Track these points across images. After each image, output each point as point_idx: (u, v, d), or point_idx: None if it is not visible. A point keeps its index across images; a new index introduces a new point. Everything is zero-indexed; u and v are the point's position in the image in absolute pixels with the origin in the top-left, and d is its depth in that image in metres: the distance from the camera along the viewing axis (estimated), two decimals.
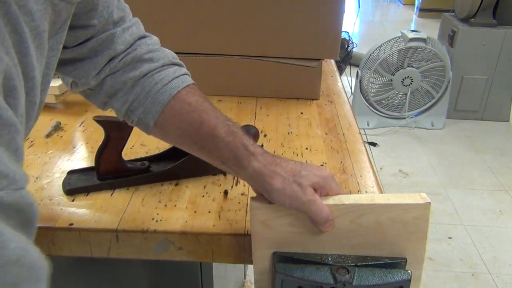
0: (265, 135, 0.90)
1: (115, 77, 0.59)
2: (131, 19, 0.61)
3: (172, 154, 0.76)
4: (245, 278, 1.68)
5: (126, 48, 0.59)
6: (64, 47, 0.53)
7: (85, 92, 0.62)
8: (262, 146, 0.82)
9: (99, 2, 0.54)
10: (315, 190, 0.55)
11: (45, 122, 0.92)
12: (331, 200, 0.54)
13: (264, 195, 0.55)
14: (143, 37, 0.61)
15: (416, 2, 6.52)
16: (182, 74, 0.61)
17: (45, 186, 0.70)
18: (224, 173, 0.75)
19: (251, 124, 0.78)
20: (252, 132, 0.76)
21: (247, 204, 0.67)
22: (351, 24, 6.17)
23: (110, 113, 0.64)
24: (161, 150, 0.79)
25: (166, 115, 0.58)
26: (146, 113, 0.59)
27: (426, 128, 3.13)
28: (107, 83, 0.59)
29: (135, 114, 0.59)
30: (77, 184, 0.69)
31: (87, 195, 0.68)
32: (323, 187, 0.55)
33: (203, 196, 0.69)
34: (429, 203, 0.53)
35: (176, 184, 0.72)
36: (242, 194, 0.70)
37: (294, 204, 0.54)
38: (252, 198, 0.56)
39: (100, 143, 0.69)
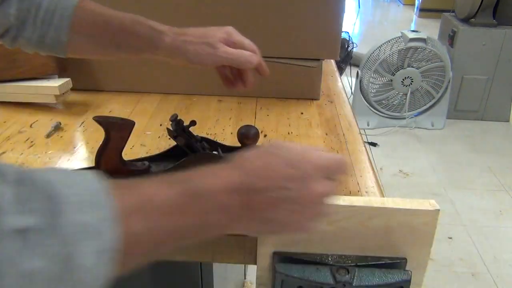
0: (265, 135, 0.90)
1: (20, 9, 0.62)
2: None
3: (172, 154, 0.76)
4: (245, 278, 1.68)
5: None
6: None
7: None
8: None
9: None
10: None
11: (45, 122, 0.92)
12: (342, 201, 0.54)
13: (186, 62, 0.64)
14: None
15: (416, 2, 6.52)
16: None
17: None
18: None
19: (251, 124, 0.78)
20: (252, 132, 0.76)
21: None
22: (351, 24, 6.17)
23: (108, 113, 0.64)
24: (161, 150, 0.79)
25: (75, 27, 0.63)
26: (58, 30, 0.63)
27: (426, 128, 3.13)
28: (13, 16, 0.62)
29: (48, 36, 0.63)
30: None
31: None
32: (228, 39, 0.65)
33: None
34: (438, 210, 0.54)
35: None
36: None
37: (214, 60, 0.63)
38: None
39: (100, 143, 0.69)
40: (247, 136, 0.76)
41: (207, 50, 0.63)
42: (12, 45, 0.65)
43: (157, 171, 0.72)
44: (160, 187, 0.38)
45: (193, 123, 0.74)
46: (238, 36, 0.67)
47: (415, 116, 3.13)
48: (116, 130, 0.67)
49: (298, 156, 0.44)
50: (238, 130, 0.77)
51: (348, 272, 0.54)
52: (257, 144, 0.78)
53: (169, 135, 0.76)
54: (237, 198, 0.40)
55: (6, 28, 0.63)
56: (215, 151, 0.78)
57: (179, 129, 0.72)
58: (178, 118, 0.72)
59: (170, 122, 0.72)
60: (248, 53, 0.65)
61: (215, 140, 0.81)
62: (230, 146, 0.81)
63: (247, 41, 0.68)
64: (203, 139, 0.78)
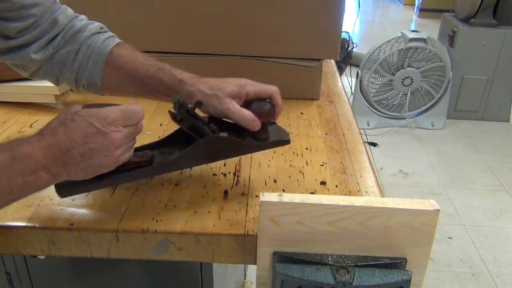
0: None
1: (60, 53, 0.70)
2: (59, 4, 0.72)
3: (176, 139, 0.68)
4: (245, 278, 1.69)
5: (64, 27, 0.70)
6: (7, 37, 0.66)
7: (36, 72, 0.72)
8: None
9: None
10: (233, 97, 0.66)
11: (45, 122, 0.91)
12: (342, 201, 0.54)
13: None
14: (75, 16, 0.73)
15: (416, 2, 6.53)
16: (111, 36, 0.73)
17: None
18: (224, 174, 0.75)
19: (264, 99, 0.68)
20: (266, 109, 0.67)
21: (247, 204, 0.67)
22: (351, 24, 6.17)
23: None
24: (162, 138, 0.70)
25: (108, 71, 0.71)
26: (92, 74, 0.71)
27: (426, 128, 3.13)
28: (55, 59, 0.70)
29: (83, 79, 0.71)
30: (76, 183, 0.68)
31: (87, 195, 0.68)
32: (239, 92, 0.66)
33: (203, 196, 0.69)
34: (438, 210, 0.54)
35: (176, 184, 0.72)
36: (242, 194, 0.70)
37: (217, 113, 0.66)
38: (262, 194, 0.55)
39: None
40: (261, 114, 0.66)
41: (213, 103, 0.66)
42: (57, 83, 0.74)
43: (160, 162, 0.65)
44: None
45: (198, 104, 0.64)
46: (252, 87, 0.67)
47: (415, 116, 3.13)
48: None
49: (94, 115, 0.55)
50: (249, 107, 0.67)
51: (348, 272, 0.54)
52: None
53: (171, 118, 0.67)
54: (52, 157, 0.52)
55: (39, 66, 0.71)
56: (224, 132, 0.68)
57: (183, 111, 0.62)
58: (182, 99, 0.62)
59: (173, 104, 0.63)
60: (250, 118, 0.65)
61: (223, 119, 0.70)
62: (240, 127, 0.68)
63: (263, 87, 0.68)
64: (211, 119, 0.67)
